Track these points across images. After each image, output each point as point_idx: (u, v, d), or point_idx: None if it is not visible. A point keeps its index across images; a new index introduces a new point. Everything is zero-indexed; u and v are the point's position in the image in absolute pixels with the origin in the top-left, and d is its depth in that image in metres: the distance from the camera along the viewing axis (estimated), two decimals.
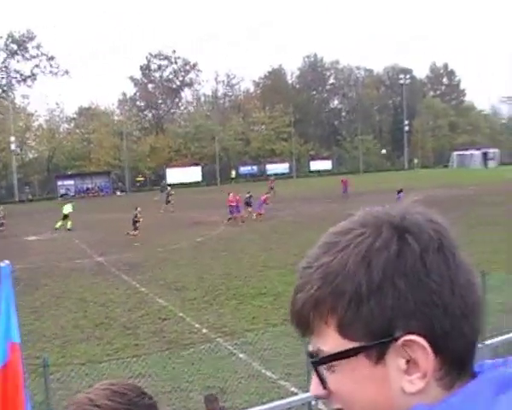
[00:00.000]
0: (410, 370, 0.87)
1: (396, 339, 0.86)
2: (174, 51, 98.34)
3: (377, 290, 0.87)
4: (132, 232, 30.71)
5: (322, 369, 0.92)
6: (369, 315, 0.87)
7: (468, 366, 0.91)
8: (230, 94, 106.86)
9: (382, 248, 0.88)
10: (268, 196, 39.86)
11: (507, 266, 19.17)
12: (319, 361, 0.92)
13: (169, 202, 45.12)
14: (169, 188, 49.95)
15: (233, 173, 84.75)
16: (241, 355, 12.43)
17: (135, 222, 31.08)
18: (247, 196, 39.16)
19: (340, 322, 0.89)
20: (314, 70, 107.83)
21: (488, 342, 7.39)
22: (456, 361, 0.89)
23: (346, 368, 0.90)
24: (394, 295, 0.86)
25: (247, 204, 38.38)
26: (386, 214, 0.93)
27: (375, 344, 0.87)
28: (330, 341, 0.90)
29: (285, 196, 47.23)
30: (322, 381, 0.92)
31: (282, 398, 7.28)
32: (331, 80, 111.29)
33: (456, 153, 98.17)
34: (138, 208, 32.09)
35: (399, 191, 35.91)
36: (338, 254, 0.90)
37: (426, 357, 0.86)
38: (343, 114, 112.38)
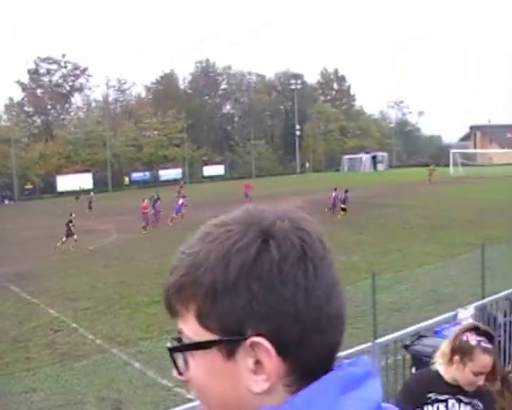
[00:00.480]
0: (257, 370, 0.89)
1: (245, 339, 0.89)
2: (64, 55, 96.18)
3: (231, 289, 0.89)
4: (64, 240, 29.32)
5: (180, 355, 0.96)
6: (223, 311, 0.89)
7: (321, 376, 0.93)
8: (122, 99, 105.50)
9: (243, 249, 0.90)
10: (185, 200, 39.52)
11: (396, 266, 19.83)
12: (174, 349, 0.96)
13: (91, 207, 45.43)
14: (91, 194, 50.83)
15: (126, 180, 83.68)
16: (135, 365, 12.31)
17: (69, 229, 29.73)
18: (155, 198, 38.91)
19: (199, 312, 0.92)
20: (206, 75, 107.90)
21: (378, 340, 7.61)
22: (306, 370, 0.91)
23: (201, 358, 0.93)
24: (247, 296, 0.88)
25: (154, 207, 38.16)
26: (261, 216, 0.95)
27: (226, 340, 0.90)
28: (190, 326, 0.93)
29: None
30: (177, 367, 0.97)
31: (178, 405, 7.25)
32: (223, 85, 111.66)
33: (346, 157, 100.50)
34: (73, 215, 31.22)
35: (346, 191, 37.08)
36: (207, 245, 0.93)
37: (270, 360, 0.88)
38: (235, 119, 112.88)
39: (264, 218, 0.94)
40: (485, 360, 3.61)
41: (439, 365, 3.84)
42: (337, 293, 0.95)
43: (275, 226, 0.92)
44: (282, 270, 0.89)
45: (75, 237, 29.54)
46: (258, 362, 0.89)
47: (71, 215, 30.78)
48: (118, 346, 13.65)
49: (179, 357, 0.96)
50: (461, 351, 3.68)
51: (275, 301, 0.88)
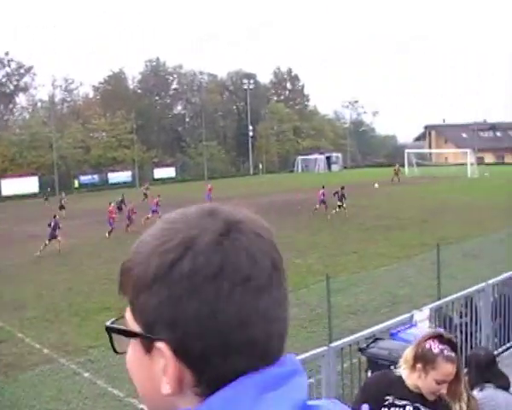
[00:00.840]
0: (164, 373, 0.91)
1: (154, 340, 0.91)
2: (7, 53, 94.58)
3: (147, 288, 0.90)
4: (56, 244, 29.21)
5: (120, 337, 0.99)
6: (141, 307, 0.92)
7: None
8: (69, 99, 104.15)
9: (164, 253, 0.90)
10: (158, 200, 39.04)
11: (352, 268, 20.01)
12: (108, 328, 0.98)
13: (63, 207, 44.92)
14: (63, 194, 50.58)
15: (76, 183, 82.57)
16: (85, 374, 12.19)
17: (54, 230, 29.54)
18: (120, 199, 38.45)
19: (130, 300, 0.95)
20: (156, 75, 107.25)
21: (334, 344, 7.66)
22: (214, 385, 0.90)
23: (132, 344, 0.96)
24: (158, 300, 0.89)
25: (119, 209, 37.71)
26: (196, 221, 0.94)
27: (142, 336, 0.93)
28: (128, 311, 0.96)
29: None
30: (112, 344, 0.99)
31: None
32: (174, 85, 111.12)
33: (300, 157, 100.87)
34: (57, 216, 31.20)
35: (342, 188, 37.21)
36: (150, 238, 0.95)
37: (171, 367, 0.90)
38: (187, 119, 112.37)
39: (197, 225, 0.93)
40: (447, 369, 3.64)
41: (403, 370, 3.87)
42: (260, 319, 0.91)
43: (200, 236, 0.91)
44: (191, 283, 0.88)
45: (55, 240, 29.46)
46: (166, 365, 0.91)
47: (55, 217, 30.73)
48: (66, 355, 13.50)
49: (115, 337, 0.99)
50: (423, 359, 3.70)
51: (180, 312, 0.88)
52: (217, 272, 0.88)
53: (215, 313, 0.87)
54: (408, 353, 3.87)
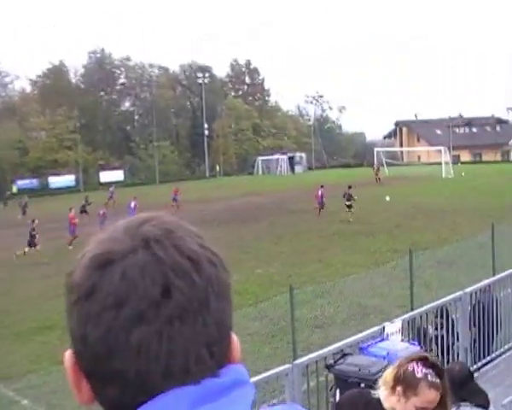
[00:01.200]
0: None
1: None
2: None
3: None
4: (26, 250, 29.67)
5: None
6: None
7: None
8: (3, 95, 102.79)
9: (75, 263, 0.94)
10: (137, 202, 38.97)
11: (317, 278, 20.04)
12: None
13: (25, 213, 44.90)
14: (26, 197, 51.25)
15: (14, 188, 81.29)
16: (24, 402, 12.03)
17: (32, 237, 29.86)
18: (83, 202, 38.19)
19: None
20: (101, 67, 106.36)
21: (298, 361, 7.68)
22: (118, 406, 0.89)
23: None
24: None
25: (84, 212, 37.44)
26: (108, 236, 0.94)
27: None
28: None
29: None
30: None
31: None
32: (121, 79, 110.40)
33: (260, 158, 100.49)
34: (36, 221, 31.48)
35: (349, 187, 37.82)
36: None
37: (69, 378, 0.92)
38: (136, 117, 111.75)
39: (103, 241, 0.93)
40: (430, 396, 3.57)
41: (382, 391, 3.82)
42: (130, 352, 0.86)
43: (87, 254, 0.92)
44: (70, 300, 0.91)
45: (38, 247, 29.91)
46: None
47: (33, 222, 31.10)
48: (3, 381, 13.31)
49: None
50: (404, 382, 3.63)
51: (69, 327, 0.91)
52: (89, 293, 0.88)
53: (86, 336, 0.87)
54: (388, 373, 3.80)
